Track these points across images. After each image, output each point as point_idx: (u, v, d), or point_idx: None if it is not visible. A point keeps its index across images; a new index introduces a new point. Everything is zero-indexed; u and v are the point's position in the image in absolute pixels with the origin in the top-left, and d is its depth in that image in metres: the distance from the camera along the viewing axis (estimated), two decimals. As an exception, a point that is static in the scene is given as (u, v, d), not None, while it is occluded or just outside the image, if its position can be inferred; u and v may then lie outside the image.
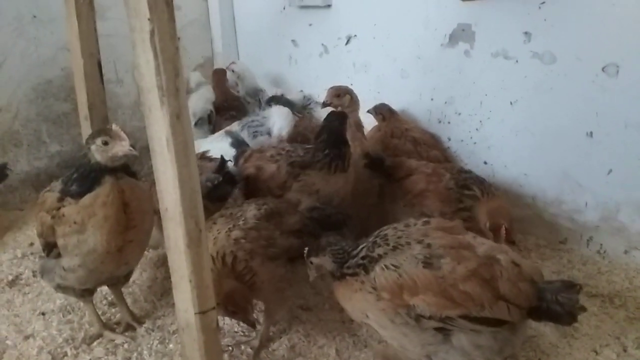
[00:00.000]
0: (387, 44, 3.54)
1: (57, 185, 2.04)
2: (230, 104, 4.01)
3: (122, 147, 1.89)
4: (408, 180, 2.69)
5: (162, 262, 2.85)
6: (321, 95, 3.97)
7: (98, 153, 1.91)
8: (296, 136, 3.23)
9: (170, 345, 2.23)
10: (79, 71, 2.75)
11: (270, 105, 3.69)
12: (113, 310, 2.47)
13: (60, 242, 1.97)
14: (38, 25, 3.66)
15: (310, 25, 4.03)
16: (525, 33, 2.82)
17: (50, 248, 2.06)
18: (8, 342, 2.27)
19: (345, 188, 2.57)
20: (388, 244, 1.85)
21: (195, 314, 1.75)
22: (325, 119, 2.65)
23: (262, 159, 2.59)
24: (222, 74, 4.16)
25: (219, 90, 4.09)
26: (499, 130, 3.08)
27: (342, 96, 3.16)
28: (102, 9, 3.61)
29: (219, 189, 2.46)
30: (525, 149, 2.99)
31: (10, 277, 2.75)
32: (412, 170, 2.73)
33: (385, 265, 1.80)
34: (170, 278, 2.59)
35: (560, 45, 2.73)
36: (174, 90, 1.56)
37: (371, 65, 3.70)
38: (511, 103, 2.98)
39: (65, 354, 2.17)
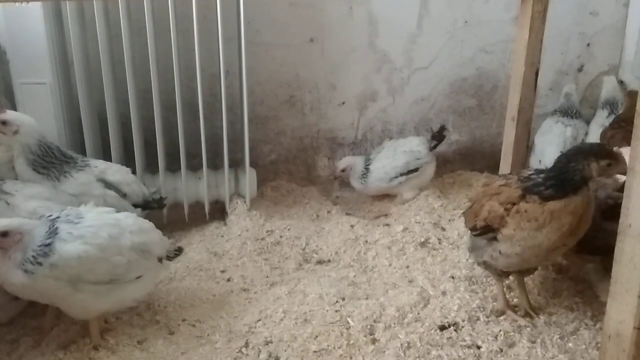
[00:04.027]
0: None
1: (513, 180, 2.32)
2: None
3: (622, 170, 1.93)
4: None
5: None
6: None
7: (596, 171, 2.04)
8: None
9: (569, 344, 2.38)
10: (517, 77, 3.08)
11: None
12: (510, 294, 2.75)
13: (507, 232, 2.25)
14: (467, 30, 4.19)
15: None
16: None
17: (486, 231, 2.39)
18: (430, 292, 2.78)
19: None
20: None
21: (633, 328, 1.84)
22: None
23: None
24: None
25: (625, 106, 3.89)
26: None
27: None
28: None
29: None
30: None
31: (421, 239, 3.32)
32: None
33: None
34: (559, 279, 2.80)
35: None
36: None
37: None
38: None
39: (478, 319, 2.52)
